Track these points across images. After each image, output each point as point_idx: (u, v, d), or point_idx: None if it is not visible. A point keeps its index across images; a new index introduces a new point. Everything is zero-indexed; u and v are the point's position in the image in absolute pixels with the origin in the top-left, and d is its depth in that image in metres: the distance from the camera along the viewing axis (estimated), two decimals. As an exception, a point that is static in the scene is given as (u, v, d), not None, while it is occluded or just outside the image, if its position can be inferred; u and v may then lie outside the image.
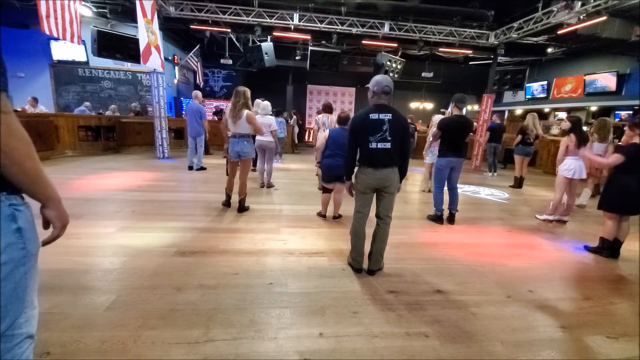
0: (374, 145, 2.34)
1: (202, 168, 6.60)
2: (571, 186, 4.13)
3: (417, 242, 3.38)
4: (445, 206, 4.01)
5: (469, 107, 15.23)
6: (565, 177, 4.05)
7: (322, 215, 3.93)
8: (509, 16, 8.51)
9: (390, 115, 2.33)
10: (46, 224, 0.97)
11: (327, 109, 5.55)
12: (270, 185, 5.45)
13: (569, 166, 4.02)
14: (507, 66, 10.94)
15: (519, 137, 6.18)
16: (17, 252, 0.82)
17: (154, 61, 7.22)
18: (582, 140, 3.91)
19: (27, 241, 0.85)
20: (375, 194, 2.50)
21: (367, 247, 2.57)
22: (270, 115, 5.21)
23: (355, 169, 2.54)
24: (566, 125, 4.05)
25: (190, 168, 6.55)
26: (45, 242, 0.95)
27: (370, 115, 2.33)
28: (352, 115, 2.89)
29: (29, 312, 0.90)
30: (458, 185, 4.06)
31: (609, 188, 3.10)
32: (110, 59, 8.13)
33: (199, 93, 6.61)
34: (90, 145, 8.24)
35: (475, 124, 8.79)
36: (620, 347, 1.87)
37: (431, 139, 5.49)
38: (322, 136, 3.78)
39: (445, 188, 4.01)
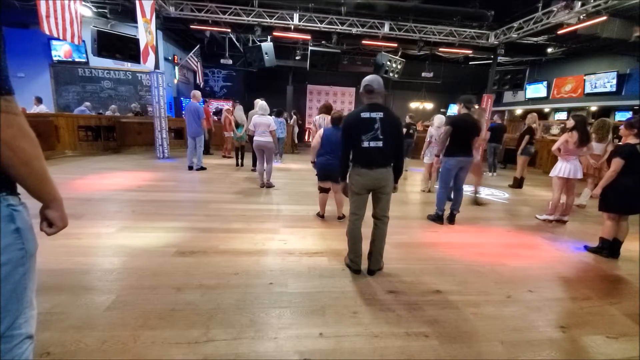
0: (366, 144, 2.32)
1: (202, 168, 6.60)
2: (569, 186, 4.14)
3: (417, 242, 3.38)
4: (447, 206, 4.00)
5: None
6: (559, 177, 4.07)
7: (320, 215, 3.92)
8: (509, 16, 8.52)
9: (382, 113, 2.31)
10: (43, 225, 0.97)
11: (325, 109, 5.51)
12: (270, 185, 5.45)
13: (561, 168, 4.04)
14: (507, 66, 10.95)
15: (527, 137, 6.06)
16: (15, 252, 0.82)
17: (151, 61, 7.25)
18: (584, 140, 3.90)
19: (25, 241, 0.85)
20: (370, 195, 2.49)
21: (365, 248, 2.57)
22: (269, 115, 5.20)
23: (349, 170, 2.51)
24: (570, 123, 4.06)
25: (190, 168, 6.55)
26: (50, 233, 0.97)
27: (362, 114, 2.33)
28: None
29: (28, 313, 0.89)
30: (458, 186, 4.05)
31: (607, 188, 3.10)
32: (110, 59, 8.12)
33: (197, 93, 6.59)
34: (90, 145, 8.25)
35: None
36: (620, 347, 1.87)
37: (428, 139, 5.49)
38: (318, 135, 3.78)
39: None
